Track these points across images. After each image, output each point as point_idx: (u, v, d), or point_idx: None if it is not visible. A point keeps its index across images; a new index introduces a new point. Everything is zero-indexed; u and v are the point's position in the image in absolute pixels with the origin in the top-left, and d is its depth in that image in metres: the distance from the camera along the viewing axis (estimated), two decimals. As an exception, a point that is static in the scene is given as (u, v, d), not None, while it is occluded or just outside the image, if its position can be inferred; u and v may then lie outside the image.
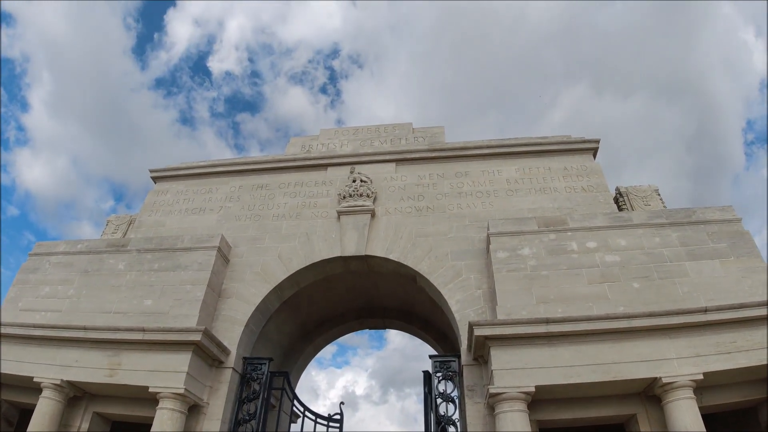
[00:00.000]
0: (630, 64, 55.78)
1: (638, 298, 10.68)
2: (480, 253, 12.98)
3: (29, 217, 61.93)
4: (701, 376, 9.23)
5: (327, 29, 67.33)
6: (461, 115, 64.91)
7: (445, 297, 12.55)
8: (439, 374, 11.99)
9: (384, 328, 18.67)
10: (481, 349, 10.84)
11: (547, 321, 10.05)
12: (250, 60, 68.62)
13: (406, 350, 62.53)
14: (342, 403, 13.93)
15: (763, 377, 9.50)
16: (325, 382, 65.48)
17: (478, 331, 10.32)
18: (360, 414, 56.56)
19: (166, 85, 66.85)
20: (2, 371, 11.76)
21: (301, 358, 17.44)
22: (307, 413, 13.76)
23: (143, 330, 11.43)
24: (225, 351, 12.34)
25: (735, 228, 11.71)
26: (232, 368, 12.40)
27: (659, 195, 13.78)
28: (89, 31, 54.85)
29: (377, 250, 13.67)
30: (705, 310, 9.69)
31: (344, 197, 14.61)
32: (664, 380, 9.27)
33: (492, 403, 10.00)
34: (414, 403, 62.25)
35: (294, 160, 16.30)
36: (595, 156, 15.14)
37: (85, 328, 11.68)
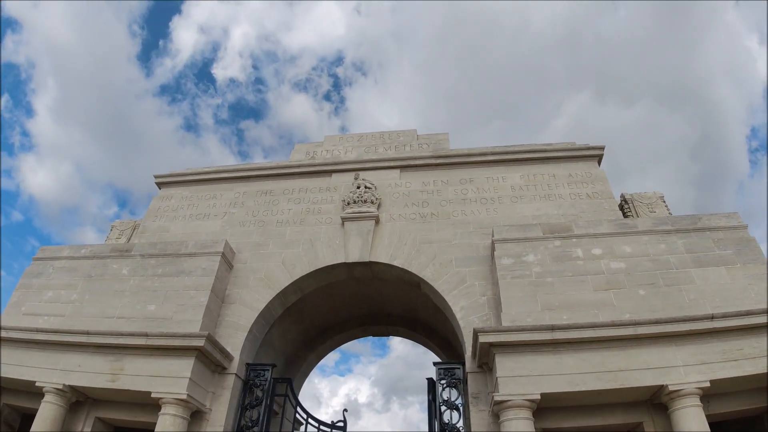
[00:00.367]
0: (633, 72, 55.90)
1: (644, 305, 10.61)
2: (484, 260, 12.93)
3: (33, 222, 62.17)
4: (708, 384, 9.15)
5: (331, 37, 67.78)
6: (465, 122, 65.06)
7: (450, 304, 12.49)
8: (443, 381, 11.91)
9: (388, 335, 18.59)
10: (486, 356, 10.78)
11: (553, 328, 9.98)
12: (254, 67, 69.03)
13: (409, 358, 62.41)
14: (345, 410, 13.86)
15: (770, 385, 9.41)
16: (328, 390, 65.33)
17: (482, 338, 10.26)
18: (363, 422, 56.23)
19: (171, 91, 67.21)
20: (5, 375, 11.74)
21: (304, 365, 17.37)
22: (310, 420, 13.68)
23: (146, 335, 11.39)
24: (228, 357, 12.29)
25: (741, 235, 11.65)
26: (235, 374, 12.35)
27: (664, 202, 13.71)
28: (94, 38, 55.29)
29: (381, 256, 13.63)
30: (711, 317, 9.62)
31: (348, 203, 14.59)
32: (671, 388, 9.19)
33: (497, 410, 9.92)
34: (417, 412, 61.98)
35: (298, 166, 16.31)
36: (599, 163, 15.11)
37: (87, 333, 11.65)
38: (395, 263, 13.44)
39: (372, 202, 14.49)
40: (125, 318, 12.47)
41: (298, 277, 13.70)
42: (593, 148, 15.17)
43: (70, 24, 53.67)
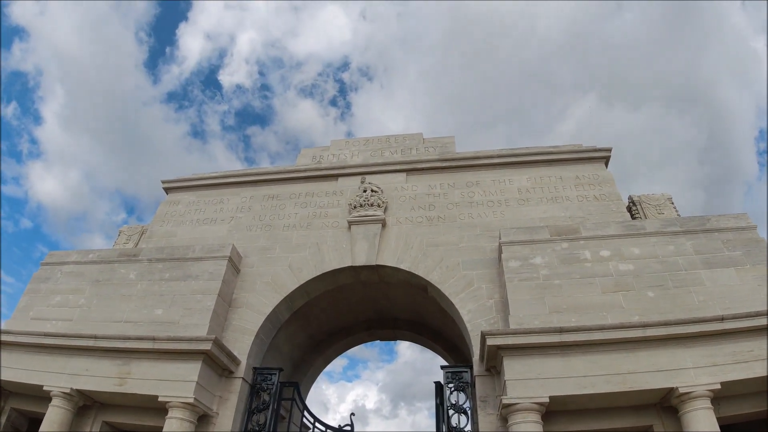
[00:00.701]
0: (640, 75, 55.78)
1: (653, 307, 10.51)
2: (492, 263, 12.87)
3: (42, 229, 62.52)
4: (718, 386, 9.04)
5: (337, 42, 68.03)
6: (470, 127, 65.05)
7: (457, 307, 12.43)
8: (451, 385, 11.84)
9: (394, 339, 18.53)
10: (494, 360, 10.71)
11: (561, 330, 9.91)
12: (261, 73, 69.30)
13: (417, 364, 62.25)
14: (353, 414, 13.80)
15: (782, 387, 9.30)
16: (336, 396, 65.25)
17: (490, 341, 10.20)
18: (370, 429, 56.10)
19: (178, 98, 67.60)
20: (12, 380, 11.79)
21: (311, 369, 17.33)
22: (317, 424, 13.63)
23: (153, 339, 11.41)
24: (235, 361, 12.28)
25: (750, 236, 11.54)
26: (242, 378, 12.33)
27: (673, 203, 13.62)
28: (102, 45, 55.71)
29: (388, 259, 13.60)
30: (721, 319, 9.52)
31: (355, 207, 14.59)
32: (681, 390, 9.08)
33: (505, 414, 9.85)
34: (425, 418, 61.66)
35: (305, 170, 16.33)
36: (607, 165, 15.05)
37: (95, 337, 11.68)
38: (402, 267, 13.40)
39: (378, 206, 14.48)
40: (132, 322, 12.49)
41: (304, 281, 13.69)
42: (600, 150, 15.11)
43: (78, 31, 54.21)
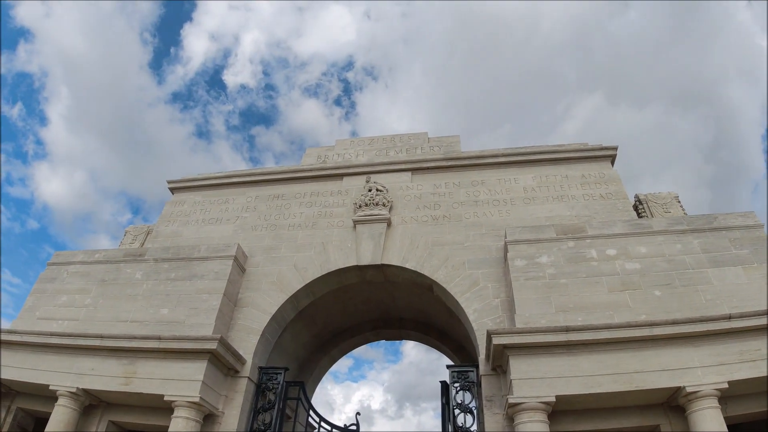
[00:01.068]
0: (645, 73, 55.64)
1: (660, 306, 10.46)
2: (497, 262, 12.83)
3: (49, 230, 62.81)
4: (726, 385, 8.98)
5: (341, 42, 68.15)
6: (475, 126, 65.06)
7: (463, 306, 12.40)
8: (456, 384, 11.81)
9: (400, 339, 18.51)
10: (500, 359, 10.67)
11: (567, 329, 9.86)
12: (265, 73, 69.42)
13: (422, 364, 62.25)
14: (358, 413, 13.75)
15: (790, 386, 9.22)
16: (341, 396, 65.32)
17: (496, 340, 10.16)
18: (376, 429, 56.10)
19: (183, 99, 67.87)
20: (19, 379, 11.83)
21: (316, 369, 17.33)
22: (322, 424, 13.61)
23: (159, 338, 11.43)
24: (240, 360, 12.29)
25: (757, 234, 11.47)
26: (248, 378, 12.33)
27: (679, 202, 13.55)
28: (107, 46, 56.05)
29: (393, 259, 13.58)
30: (729, 318, 9.45)
31: (360, 206, 14.58)
32: (688, 390, 9.03)
33: (511, 413, 9.81)
34: (430, 418, 61.68)
35: (310, 170, 16.34)
36: (613, 163, 14.98)
37: (101, 337, 11.70)
38: (407, 266, 13.38)
39: (383, 205, 14.46)
40: (138, 322, 12.52)
41: (310, 280, 13.68)
42: (606, 148, 15.04)
43: (83, 32, 54.55)
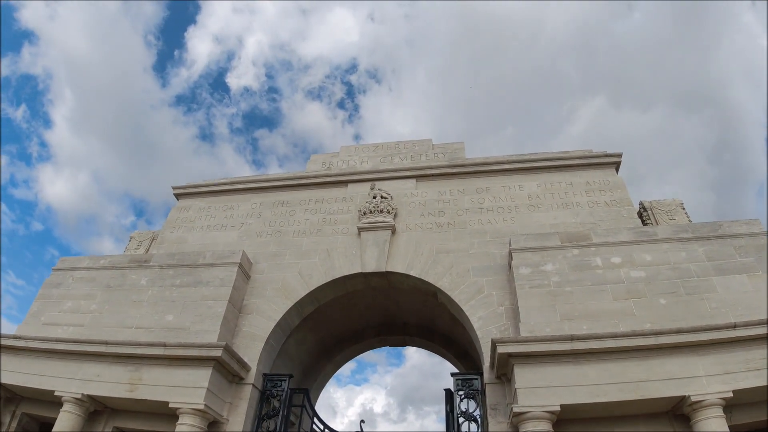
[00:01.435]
0: (649, 76, 55.53)
1: (665, 315, 10.45)
2: (502, 269, 12.83)
3: (53, 232, 63.04)
4: (731, 394, 8.96)
5: (345, 44, 68.29)
6: (479, 129, 65.08)
7: (467, 314, 12.40)
8: (461, 392, 11.79)
9: (404, 345, 18.50)
10: (505, 367, 10.66)
11: (572, 338, 9.85)
12: (268, 75, 69.57)
13: (425, 367, 62.15)
14: (362, 421, 13.77)
15: (796, 395, 9.19)
16: (344, 400, 65.24)
17: (501, 349, 10.15)
18: (379, 433, 55.93)
19: (186, 101, 68.10)
20: (24, 385, 11.87)
21: (320, 375, 17.34)
22: (326, 431, 13.61)
23: (164, 345, 11.45)
24: (245, 367, 12.30)
25: (762, 241, 11.43)
26: (252, 384, 12.34)
27: (684, 209, 13.53)
28: (111, 49, 56.33)
29: (398, 266, 13.59)
30: (734, 326, 9.42)
31: (364, 213, 14.60)
32: (693, 398, 9.01)
33: (516, 422, 9.80)
34: (433, 422, 61.42)
35: (315, 176, 16.37)
36: (617, 170, 14.97)
37: (106, 343, 11.74)
38: (412, 273, 13.39)
39: (388, 212, 14.48)
40: (144, 328, 12.55)
41: (314, 287, 13.70)
42: (611, 155, 15.04)
43: (87, 35, 54.88)
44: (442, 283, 13.01)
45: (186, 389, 11.06)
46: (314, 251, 14.41)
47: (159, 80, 65.11)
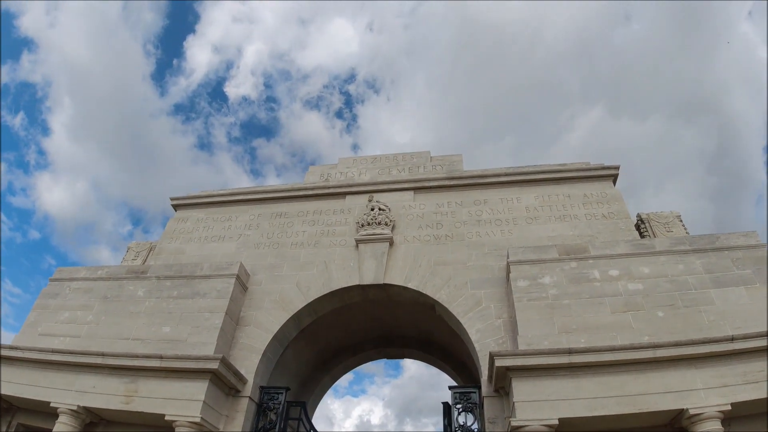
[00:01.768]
0: (647, 85, 55.74)
1: (663, 327, 10.43)
2: (500, 282, 12.82)
3: (50, 240, 62.88)
4: (729, 407, 8.96)
5: (343, 54, 68.59)
6: (477, 138, 65.15)
7: (465, 326, 12.37)
8: (459, 406, 11.74)
9: (402, 357, 18.47)
10: (503, 380, 10.62)
11: (570, 351, 9.83)
12: (266, 85, 69.77)
13: (423, 379, 61.87)
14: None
15: (793, 408, 9.17)
16: (341, 411, 64.91)
17: (499, 362, 10.13)
18: (375, 445, 55.62)
19: (185, 110, 68.18)
20: (20, 395, 11.81)
21: (318, 387, 17.26)
22: (324, 444, 13.53)
23: (161, 357, 11.40)
24: (242, 380, 12.24)
25: (760, 254, 11.47)
26: (249, 397, 12.28)
27: (681, 221, 13.57)
28: (110, 57, 56.50)
29: (396, 278, 13.57)
30: (732, 339, 9.43)
31: (362, 225, 14.60)
32: (691, 411, 9.01)
33: (514, 435, 9.75)
34: (430, 434, 61.20)
35: (313, 188, 16.39)
36: (615, 182, 15.02)
37: (103, 354, 11.69)
38: (410, 285, 13.37)
39: (386, 224, 14.48)
40: (140, 340, 12.50)
41: (312, 299, 13.68)
42: (608, 167, 15.09)
43: (87, 43, 55.12)
44: (440, 295, 12.99)
45: (182, 402, 11.01)
46: (312, 263, 14.39)
47: (158, 89, 65.39)
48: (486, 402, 11.22)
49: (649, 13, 53.96)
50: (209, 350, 11.94)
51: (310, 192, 16.33)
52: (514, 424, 9.55)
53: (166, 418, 10.81)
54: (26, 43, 54.61)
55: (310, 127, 72.33)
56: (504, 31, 58.86)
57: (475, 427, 11.43)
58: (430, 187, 15.64)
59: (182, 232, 16.31)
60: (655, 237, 13.12)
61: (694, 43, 52.52)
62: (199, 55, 66.77)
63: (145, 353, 11.69)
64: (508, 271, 12.26)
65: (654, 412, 9.26)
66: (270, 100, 70.98)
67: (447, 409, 12.23)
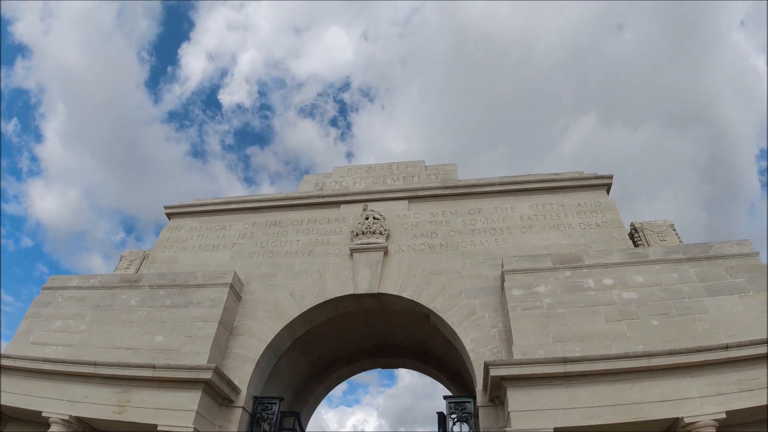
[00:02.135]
0: (640, 94, 56.18)
1: (658, 336, 10.44)
2: (494, 291, 12.81)
3: (43, 248, 62.46)
4: (724, 415, 8.98)
5: (338, 63, 68.74)
6: (471, 147, 65.28)
7: (460, 336, 12.34)
8: (453, 416, 11.68)
9: (397, 367, 18.39)
10: (498, 390, 10.59)
11: (565, 360, 9.82)
12: (260, 93, 69.77)
13: (417, 388, 61.52)
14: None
15: (787, 415, 9.19)
16: (335, 421, 64.41)
17: (494, 372, 10.10)
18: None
19: (179, 118, 68.01)
20: (11, 404, 11.68)
21: (312, 397, 17.15)
22: (317, 455, 13.44)
23: (153, 367, 11.32)
24: (235, 390, 12.15)
25: (753, 262, 11.53)
26: (242, 408, 12.18)
27: (675, 230, 13.64)
28: (104, 64, 56.45)
29: (390, 287, 13.54)
30: (726, 347, 9.46)
31: (357, 234, 14.59)
32: (687, 420, 9.02)
33: (509, 445, 9.71)
34: (426, 444, 60.81)
35: (307, 197, 16.37)
36: (608, 192, 15.08)
37: (95, 364, 11.59)
38: (404, 295, 13.34)
39: (381, 233, 14.47)
40: (133, 349, 12.40)
41: (306, 308, 13.62)
42: (602, 177, 15.16)
43: (81, 50, 55.04)
44: (435, 304, 12.96)
45: (175, 412, 10.91)
46: (306, 272, 14.35)
47: (152, 96, 65.30)
48: (481, 412, 11.16)
49: (642, 23, 54.56)
50: (202, 360, 11.86)
51: (305, 201, 16.31)
52: (509, 433, 9.52)
53: (159, 428, 10.69)
54: (20, 50, 54.53)
55: (304, 135, 72.43)
56: (498, 40, 59.40)
57: (470, 436, 11.38)
58: (425, 196, 15.66)
59: (176, 240, 16.25)
60: (648, 246, 13.16)
61: (687, 52, 53.05)
62: (194, 63, 66.88)
63: (138, 363, 11.59)
64: (503, 280, 12.26)
65: (649, 420, 9.23)
66: (264, 108, 71.07)
67: (442, 418, 12.17)
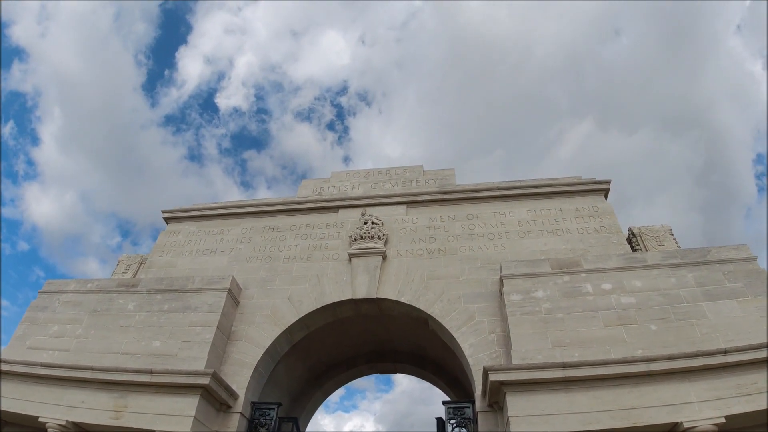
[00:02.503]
0: (636, 99, 56.40)
1: (656, 341, 10.43)
2: (493, 296, 12.81)
3: (39, 252, 62.25)
4: (723, 420, 8.96)
5: (335, 66, 68.77)
6: (468, 152, 65.36)
7: (458, 341, 12.31)
8: (452, 421, 11.65)
9: (395, 372, 18.36)
10: (497, 395, 10.57)
11: (564, 366, 9.80)
12: (257, 96, 69.75)
13: (415, 393, 61.36)
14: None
15: (786, 420, 9.18)
16: (332, 427, 64.09)
17: (493, 377, 10.08)
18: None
19: (176, 122, 67.89)
20: (7, 410, 11.62)
21: (310, 402, 17.10)
22: (315, 460, 13.39)
23: (151, 372, 11.27)
24: (233, 395, 12.11)
25: (751, 267, 11.54)
26: (240, 413, 12.11)
27: (672, 234, 13.67)
28: (101, 67, 56.40)
29: (389, 292, 13.53)
30: (725, 352, 9.45)
31: (355, 239, 14.58)
32: (686, 425, 8.98)
33: (508, 450, 9.69)
34: (423, 450, 60.60)
35: (305, 202, 16.37)
36: (606, 196, 15.12)
37: (92, 369, 11.54)
38: (403, 300, 13.32)
39: (379, 238, 14.47)
40: (130, 354, 12.35)
41: (304, 313, 13.58)
42: (599, 182, 15.20)
43: (78, 53, 54.98)
44: (433, 309, 12.94)
45: (172, 417, 10.84)
46: (304, 277, 14.33)
47: (149, 100, 65.15)
48: (480, 417, 11.13)
49: (638, 28, 54.82)
50: (200, 365, 11.81)
51: (303, 206, 16.31)
52: (508, 439, 9.50)
53: (156, 434, 10.66)
54: (17, 53, 54.45)
55: (301, 139, 72.28)
56: (495, 45, 59.61)
57: (468, 442, 11.35)
58: (423, 201, 15.67)
59: (173, 245, 16.21)
60: (646, 251, 13.19)
61: (683, 57, 53.29)
62: (191, 66, 66.84)
63: (135, 368, 11.54)
64: (501, 285, 12.26)
65: (648, 425, 9.20)
66: (261, 112, 71.00)
67: (441, 424, 12.13)
